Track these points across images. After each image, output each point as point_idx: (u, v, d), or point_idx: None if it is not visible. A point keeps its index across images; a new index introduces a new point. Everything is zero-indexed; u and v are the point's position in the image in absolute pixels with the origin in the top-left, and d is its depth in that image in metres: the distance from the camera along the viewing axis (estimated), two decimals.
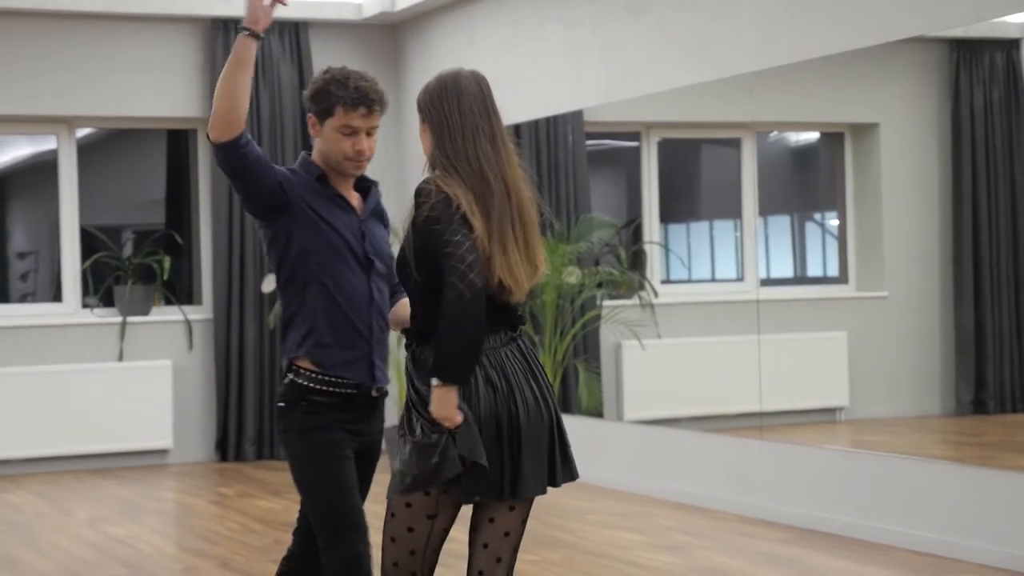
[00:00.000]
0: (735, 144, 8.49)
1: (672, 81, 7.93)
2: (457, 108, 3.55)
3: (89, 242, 10.04)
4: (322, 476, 3.79)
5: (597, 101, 8.61)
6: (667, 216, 9.13)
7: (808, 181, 8.88)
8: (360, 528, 3.79)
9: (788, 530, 6.95)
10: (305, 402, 3.82)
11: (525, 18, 9.11)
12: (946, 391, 7.22)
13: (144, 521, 7.73)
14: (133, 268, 10.02)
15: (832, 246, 8.34)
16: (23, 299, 10.77)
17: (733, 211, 8.62)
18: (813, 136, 8.62)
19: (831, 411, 7.96)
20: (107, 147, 10.91)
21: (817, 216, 8.71)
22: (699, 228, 9.38)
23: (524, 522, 3.67)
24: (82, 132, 10.10)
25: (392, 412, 8.88)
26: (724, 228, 9.07)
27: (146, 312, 9.96)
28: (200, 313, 10.10)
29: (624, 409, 8.84)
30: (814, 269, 8.65)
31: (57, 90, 9.65)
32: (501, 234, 3.51)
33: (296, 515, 4.05)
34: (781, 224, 8.61)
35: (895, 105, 7.63)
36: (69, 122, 9.89)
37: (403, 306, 3.92)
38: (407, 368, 3.61)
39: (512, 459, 3.52)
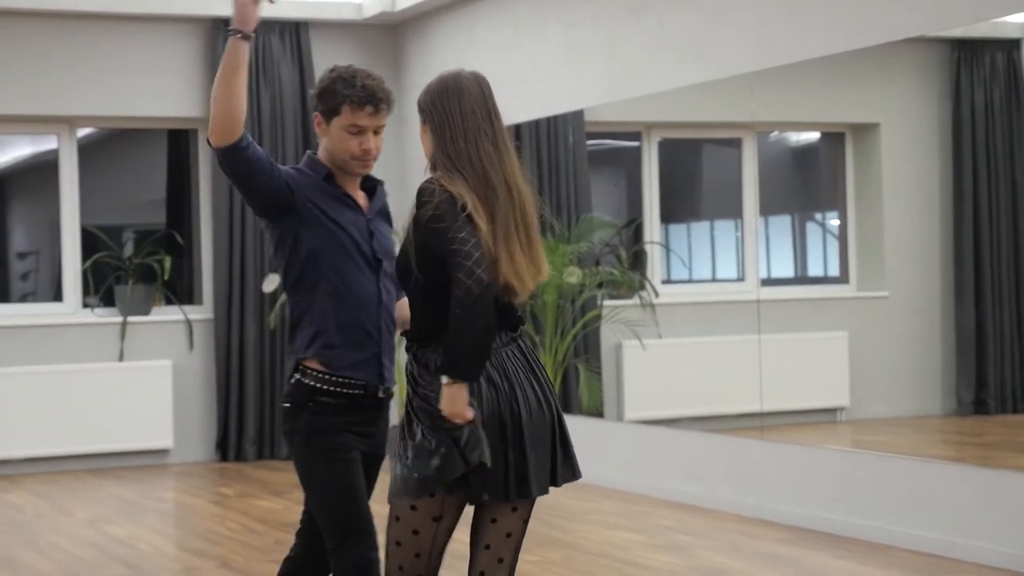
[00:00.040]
0: (736, 144, 8.49)
1: (672, 81, 7.93)
2: (458, 109, 3.54)
3: (90, 242, 10.04)
4: (331, 477, 3.78)
5: (597, 101, 8.61)
6: (668, 216, 9.13)
7: (809, 181, 8.87)
8: (369, 530, 3.79)
9: (788, 530, 6.95)
10: (312, 403, 3.81)
11: (525, 18, 9.11)
12: (947, 391, 7.21)
13: (144, 521, 7.73)
14: (134, 268, 10.02)
15: (833, 246, 8.33)
16: (24, 299, 10.77)
17: (734, 211, 8.62)
18: (814, 136, 8.62)
19: (832, 411, 7.95)
20: (108, 147, 10.91)
21: (818, 216, 8.70)
22: (700, 228, 9.38)
23: (526, 523, 3.66)
24: (83, 132, 10.10)
25: (395, 413, 8.87)
26: (725, 228, 9.07)
27: (146, 312, 9.96)
28: (200, 313, 10.09)
29: (625, 409, 8.84)
30: (815, 269, 8.64)
31: (57, 90, 9.65)
32: (506, 236, 3.49)
33: (299, 516, 4.03)
34: (782, 224, 8.60)
35: (896, 105, 7.62)
36: (70, 122, 9.89)
37: (403, 307, 3.90)
38: (408, 370, 3.59)
39: (517, 459, 3.51)
